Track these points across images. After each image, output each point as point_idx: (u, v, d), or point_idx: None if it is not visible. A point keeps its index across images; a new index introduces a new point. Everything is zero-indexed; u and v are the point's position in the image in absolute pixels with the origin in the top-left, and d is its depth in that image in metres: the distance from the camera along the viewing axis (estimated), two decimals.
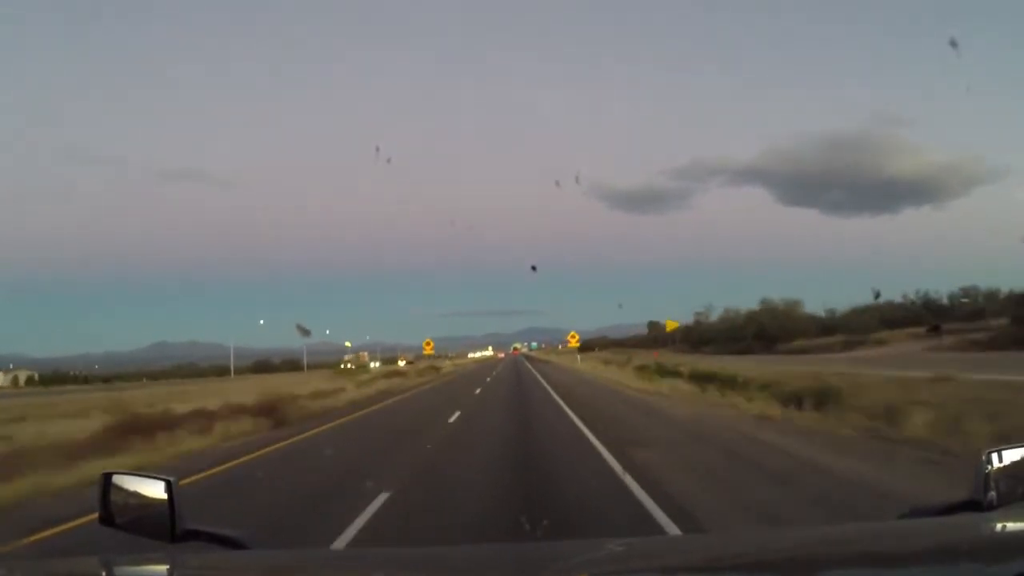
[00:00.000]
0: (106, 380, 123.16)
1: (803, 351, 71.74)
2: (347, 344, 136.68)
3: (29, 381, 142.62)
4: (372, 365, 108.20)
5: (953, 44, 16.69)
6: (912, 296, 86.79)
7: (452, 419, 19.06)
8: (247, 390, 30.81)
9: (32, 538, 7.10)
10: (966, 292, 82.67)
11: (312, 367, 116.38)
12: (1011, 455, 1.92)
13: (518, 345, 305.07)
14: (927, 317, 75.48)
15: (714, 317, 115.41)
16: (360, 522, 7.11)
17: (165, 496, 1.97)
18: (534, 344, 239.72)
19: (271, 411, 20.02)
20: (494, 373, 60.61)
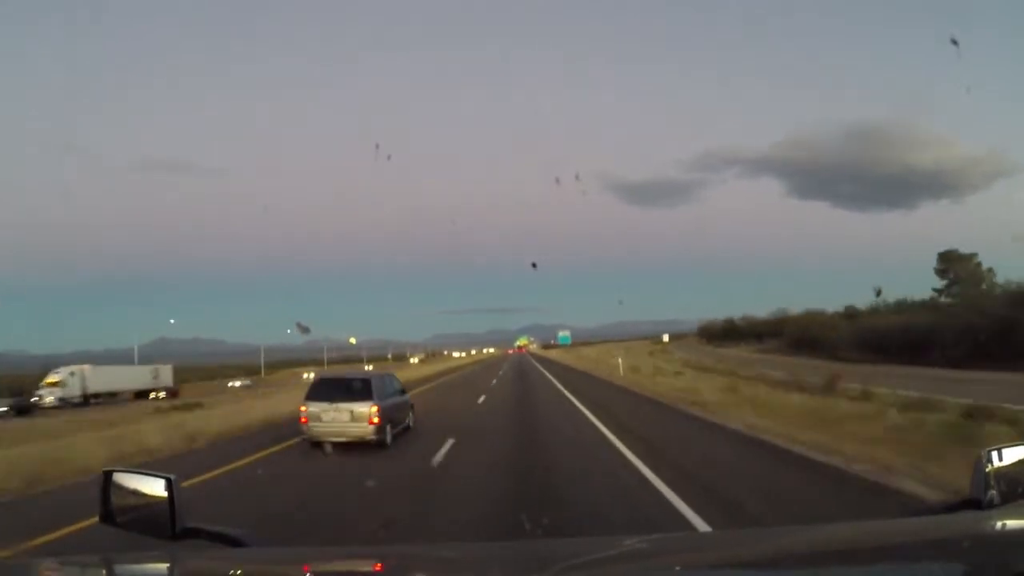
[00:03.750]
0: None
1: None
2: (351, 340, 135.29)
3: None
4: None
5: (954, 42, 16.65)
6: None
7: None
8: None
9: None
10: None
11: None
12: (1011, 454, 1.93)
13: (524, 340, 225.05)
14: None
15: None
16: None
17: (165, 494, 1.97)
18: (564, 336, 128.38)
19: None
20: None
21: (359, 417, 13.46)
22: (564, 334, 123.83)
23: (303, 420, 13.82)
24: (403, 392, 17.20)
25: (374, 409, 13.55)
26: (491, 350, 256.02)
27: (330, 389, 14.07)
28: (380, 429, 13.59)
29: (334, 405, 13.62)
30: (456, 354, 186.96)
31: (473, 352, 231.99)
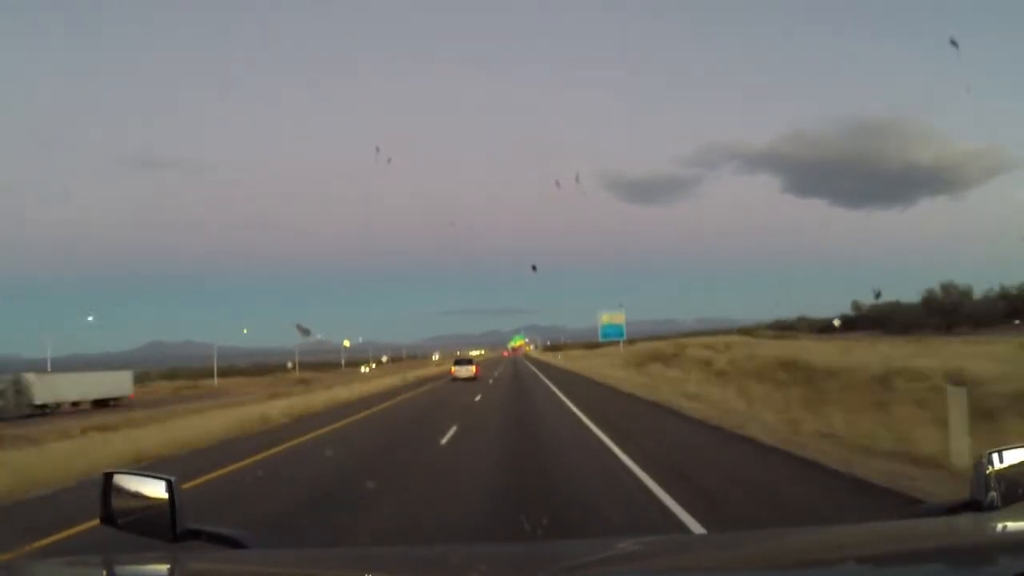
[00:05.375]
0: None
1: None
2: (345, 344, 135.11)
3: None
4: None
5: (953, 43, 16.78)
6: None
7: None
8: None
9: None
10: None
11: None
12: (1012, 456, 1.93)
13: (519, 340, 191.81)
14: None
15: None
16: None
17: (166, 495, 1.97)
18: (613, 325, 61.90)
19: None
20: None
21: (470, 370, 47.32)
22: (613, 320, 59.11)
23: (452, 372, 49.11)
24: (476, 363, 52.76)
25: (475, 367, 49.40)
26: (481, 351, 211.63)
27: (461, 361, 51.66)
28: (476, 375, 47.21)
29: (462, 366, 48.57)
30: (374, 363, 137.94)
31: (446, 355, 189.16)
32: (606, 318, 57.79)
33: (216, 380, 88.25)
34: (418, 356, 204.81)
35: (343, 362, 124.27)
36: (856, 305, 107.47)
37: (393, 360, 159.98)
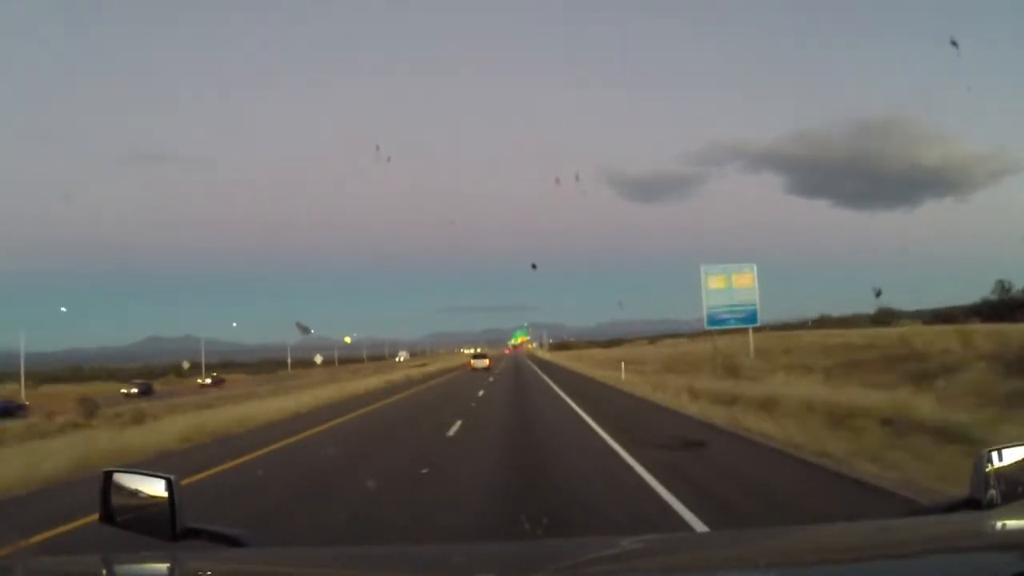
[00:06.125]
0: None
1: None
2: (346, 340, 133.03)
3: None
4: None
5: (953, 44, 16.86)
6: None
7: None
8: None
9: None
10: None
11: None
12: (1011, 454, 1.93)
13: (522, 336, 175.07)
14: None
15: None
16: None
17: (166, 494, 1.97)
18: (730, 298, 28.01)
19: None
20: None
21: (484, 363, 64.76)
22: (737, 285, 28.42)
23: (470, 365, 67.48)
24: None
25: (488, 361, 67.34)
26: (478, 349, 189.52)
27: (477, 356, 71.95)
28: (490, 367, 63.85)
29: (479, 360, 67.13)
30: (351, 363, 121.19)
31: (442, 353, 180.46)
32: (718, 281, 29.23)
33: (23, 388, 60.17)
34: (414, 353, 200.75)
35: (289, 363, 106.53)
36: (1001, 287, 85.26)
37: (366, 359, 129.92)
